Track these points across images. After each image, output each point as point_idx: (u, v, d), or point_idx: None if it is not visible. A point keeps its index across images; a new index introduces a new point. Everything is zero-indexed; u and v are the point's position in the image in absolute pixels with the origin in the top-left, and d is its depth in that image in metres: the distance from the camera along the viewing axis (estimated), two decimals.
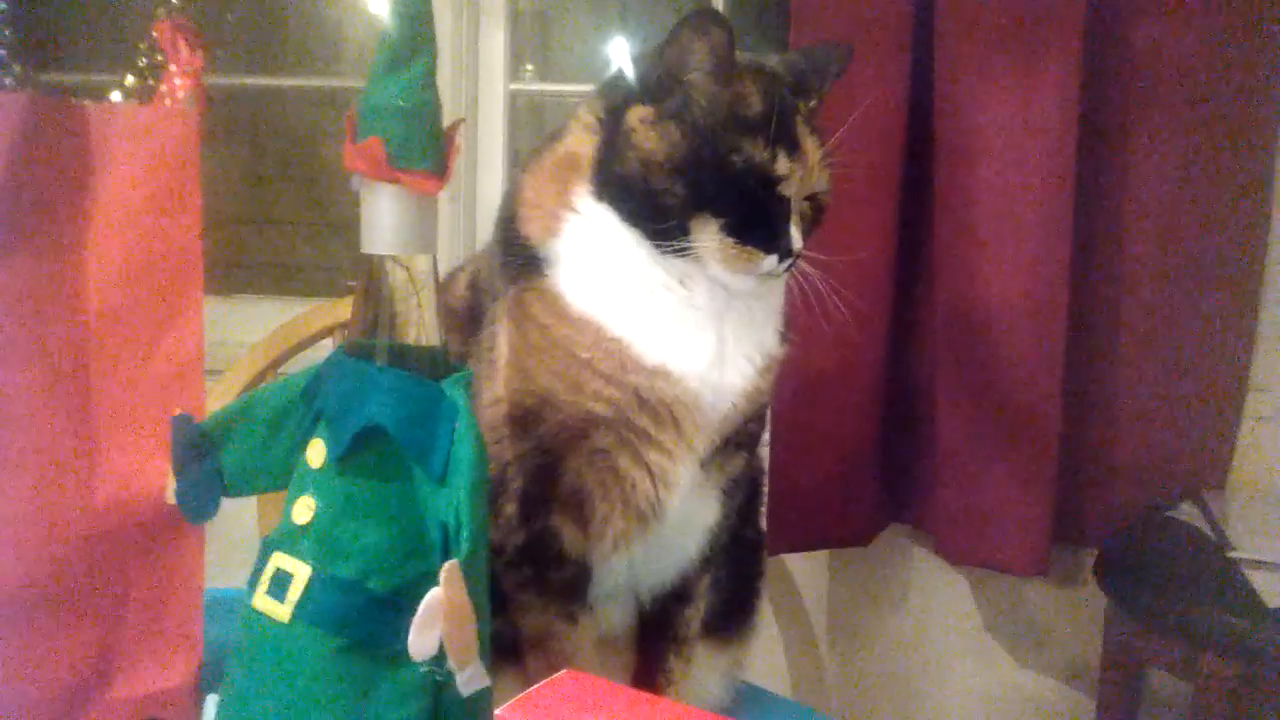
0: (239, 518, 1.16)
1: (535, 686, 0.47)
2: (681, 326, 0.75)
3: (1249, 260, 1.61)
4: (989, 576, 1.71)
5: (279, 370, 1.37)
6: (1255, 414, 1.66)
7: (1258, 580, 1.32)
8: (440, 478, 0.56)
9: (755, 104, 0.74)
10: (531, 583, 0.78)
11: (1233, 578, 1.34)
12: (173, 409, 0.69)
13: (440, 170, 0.59)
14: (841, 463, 1.57)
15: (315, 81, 2.22)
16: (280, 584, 0.57)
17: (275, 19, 2.33)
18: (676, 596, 0.84)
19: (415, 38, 0.59)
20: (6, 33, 2.06)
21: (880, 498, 1.65)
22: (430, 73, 0.59)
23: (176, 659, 0.74)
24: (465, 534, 0.52)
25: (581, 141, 0.77)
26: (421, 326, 0.61)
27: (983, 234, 1.50)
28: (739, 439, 0.80)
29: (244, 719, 0.58)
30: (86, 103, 0.70)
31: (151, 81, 1.99)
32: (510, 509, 0.77)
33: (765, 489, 1.47)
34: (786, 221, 0.74)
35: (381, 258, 0.60)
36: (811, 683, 1.79)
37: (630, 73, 0.77)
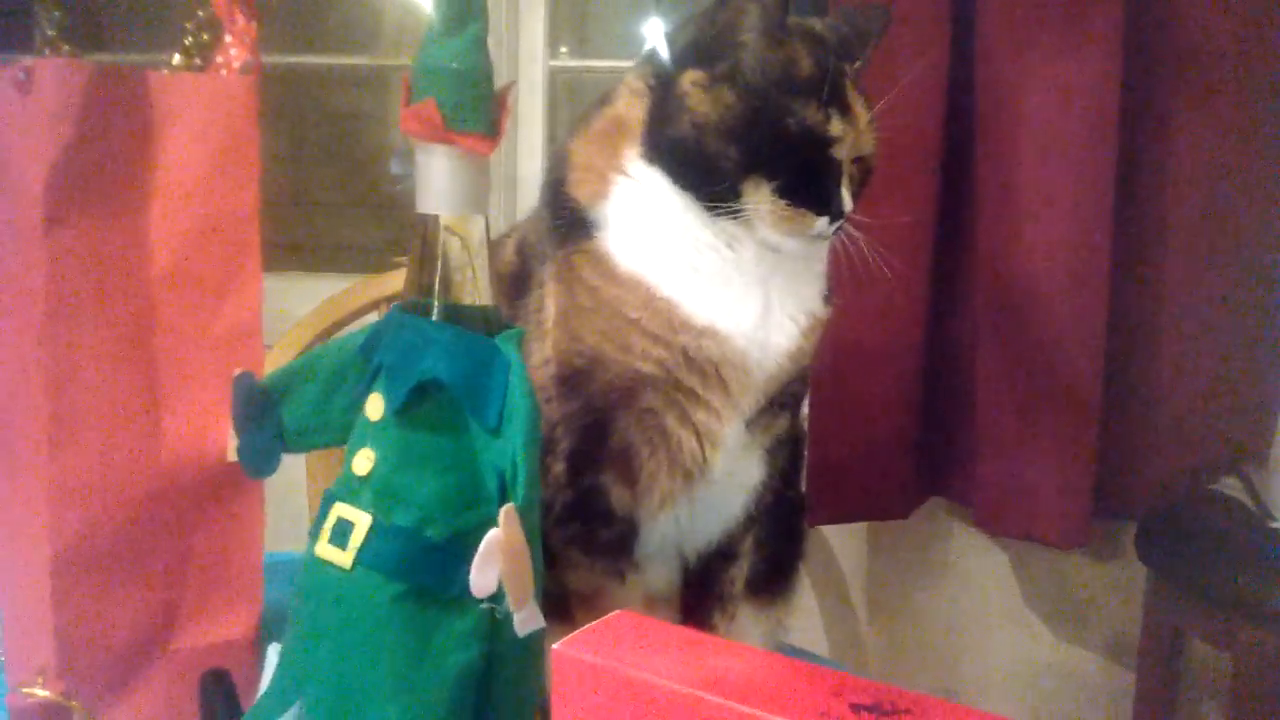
0: (290, 488, 1.19)
1: (591, 624, 0.49)
2: (729, 287, 0.76)
3: None
4: (1029, 550, 1.72)
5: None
6: None
7: None
8: (495, 429, 0.58)
9: (806, 66, 0.75)
10: (579, 539, 0.79)
11: (1274, 549, 1.34)
12: (233, 368, 0.71)
13: (492, 131, 0.60)
14: (881, 435, 1.58)
15: (355, 60, 2.24)
16: (342, 533, 0.59)
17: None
18: (721, 555, 0.85)
19: (468, 3, 0.60)
20: (56, 14, 2.09)
21: (919, 471, 1.66)
22: (482, 37, 0.60)
23: (238, 611, 0.76)
24: (521, 480, 0.54)
25: (631, 106, 0.78)
26: (475, 284, 0.62)
27: (1024, 207, 1.50)
28: (783, 400, 0.81)
29: (307, 663, 0.60)
30: (148, 70, 0.71)
31: (199, 61, 2.02)
32: (559, 467, 0.78)
33: (806, 457, 1.49)
34: (838, 184, 0.75)
35: (436, 217, 0.61)
36: (851, 654, 1.80)
37: (676, 39, 0.78)
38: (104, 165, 0.69)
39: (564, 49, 2.08)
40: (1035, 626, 1.77)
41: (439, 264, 0.62)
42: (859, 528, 1.76)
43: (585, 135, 0.80)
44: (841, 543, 1.76)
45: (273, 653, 0.70)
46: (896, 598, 1.81)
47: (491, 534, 0.51)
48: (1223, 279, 1.58)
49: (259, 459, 0.70)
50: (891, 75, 1.48)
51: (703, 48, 0.75)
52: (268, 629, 0.77)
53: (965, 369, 1.60)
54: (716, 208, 0.74)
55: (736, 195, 0.73)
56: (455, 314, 0.61)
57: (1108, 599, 1.73)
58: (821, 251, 0.81)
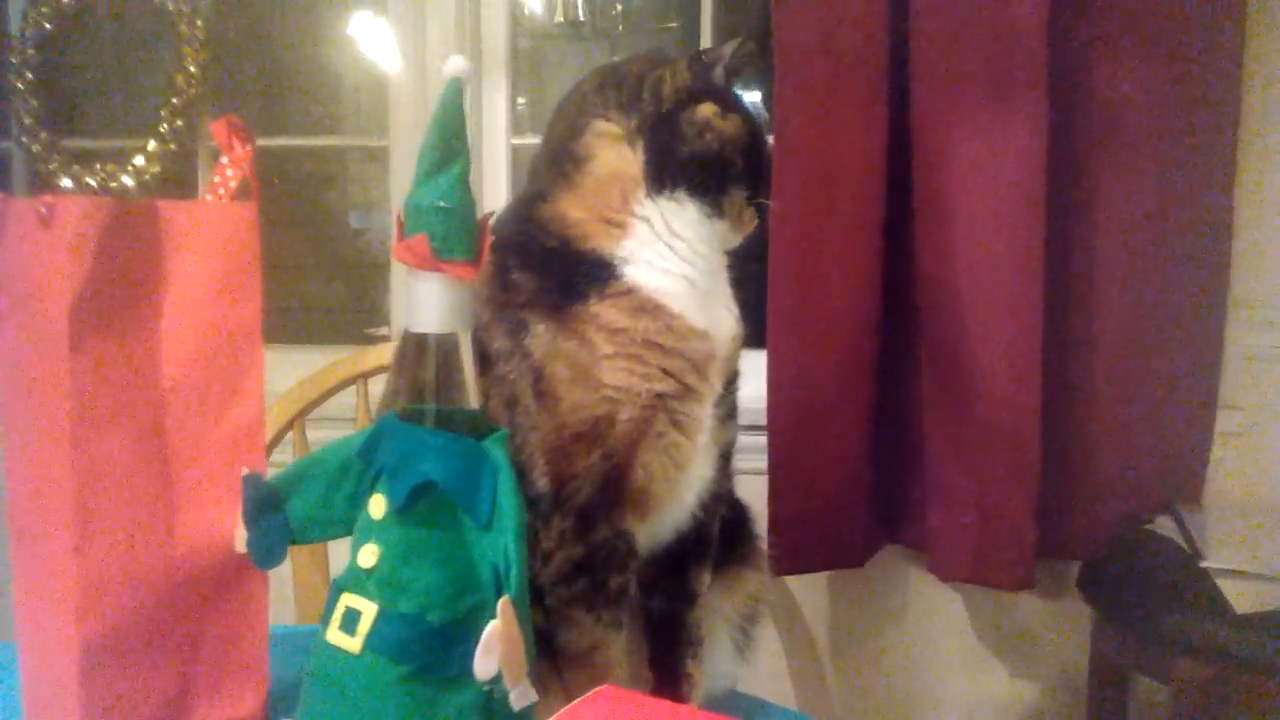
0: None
1: (576, 702, 0.56)
2: (709, 292, 0.87)
3: (1215, 285, 1.71)
4: (980, 592, 1.80)
5: (307, 417, 1.46)
6: (1226, 430, 1.75)
7: (1228, 588, 1.41)
8: (486, 524, 0.65)
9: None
10: (584, 596, 0.83)
11: (1205, 586, 1.43)
12: (239, 468, 0.78)
13: (476, 259, 0.69)
14: (837, 489, 1.67)
15: (318, 141, 2.33)
16: (350, 620, 0.66)
17: (279, 80, 2.44)
18: (682, 592, 0.91)
19: (452, 146, 0.68)
20: (34, 103, 2.16)
21: (875, 520, 1.74)
22: (465, 175, 0.69)
23: (247, 691, 0.82)
24: (514, 572, 0.62)
25: (619, 156, 0.87)
26: (462, 392, 0.70)
27: (961, 269, 1.60)
28: (730, 387, 0.92)
29: None
30: (159, 201, 0.78)
31: (173, 146, 2.09)
32: (564, 525, 0.83)
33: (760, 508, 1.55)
34: None
35: (427, 335, 0.69)
36: (816, 698, 1.87)
37: (661, 85, 0.89)
38: (119, 290, 0.75)
39: (521, 100, 2.16)
40: (989, 665, 1.85)
41: (430, 375, 0.69)
42: (820, 577, 1.83)
43: (575, 194, 0.87)
44: (804, 592, 1.83)
45: None
46: (857, 642, 1.88)
47: (491, 626, 0.58)
48: (1153, 332, 1.68)
49: (267, 552, 0.77)
50: (832, 149, 1.58)
51: (699, 88, 0.88)
52: (273, 703, 0.84)
53: (914, 424, 1.69)
54: (720, 208, 0.87)
55: (725, 200, 0.88)
56: (446, 420, 0.69)
57: (1057, 636, 1.82)
58: None
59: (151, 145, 1.90)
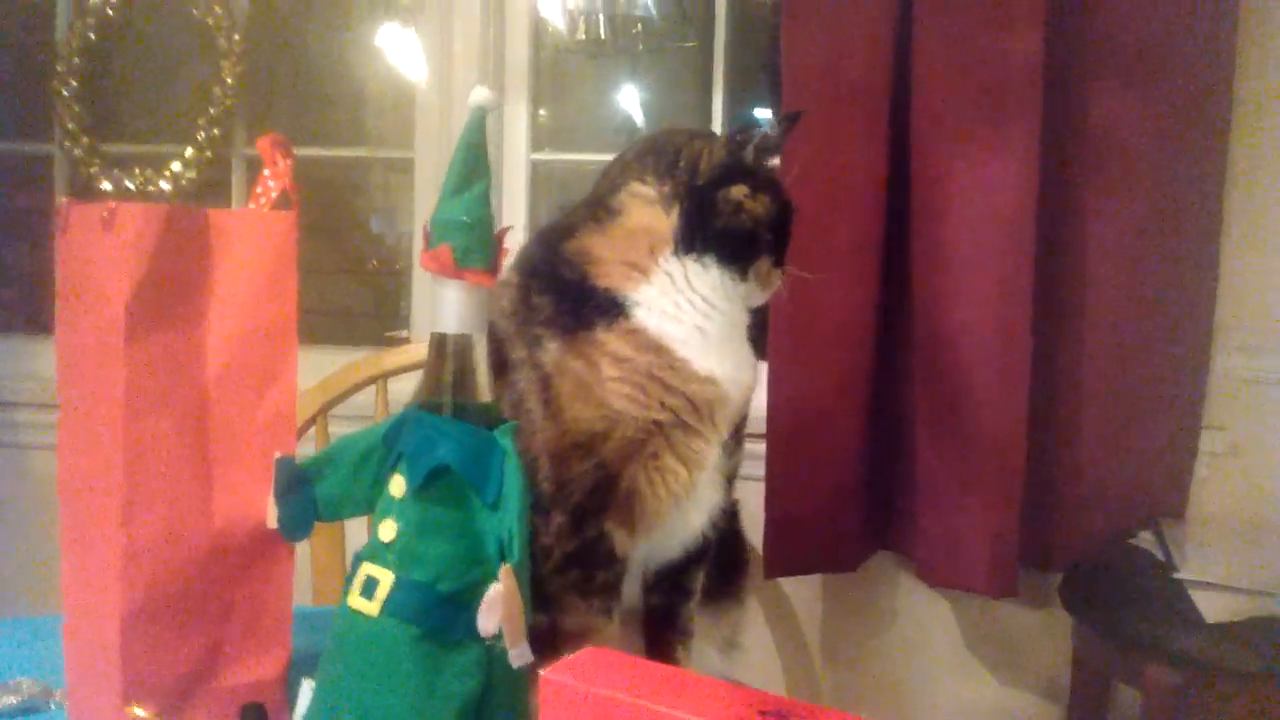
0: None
1: (569, 656, 0.63)
2: (723, 342, 0.96)
3: (1201, 310, 1.77)
4: (968, 599, 1.86)
5: (330, 413, 1.54)
6: (1210, 450, 1.81)
7: (1200, 599, 1.47)
8: (493, 504, 0.73)
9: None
10: (578, 584, 0.93)
11: (1178, 597, 1.49)
12: (273, 451, 0.86)
13: (494, 269, 0.77)
14: (831, 494, 1.73)
15: (346, 153, 2.41)
16: (370, 587, 0.74)
17: (309, 91, 2.52)
18: (679, 590, 1.01)
19: (475, 167, 0.76)
20: (77, 109, 2.27)
21: (867, 526, 1.81)
22: (486, 193, 0.77)
23: (270, 654, 0.90)
24: (516, 545, 0.69)
25: (652, 215, 0.96)
26: (477, 387, 0.78)
27: (955, 287, 1.66)
28: (739, 432, 1.00)
29: (341, 693, 0.75)
30: (209, 210, 0.86)
31: (209, 153, 2.18)
32: (560, 520, 0.92)
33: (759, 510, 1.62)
34: None
35: (446, 335, 0.77)
36: (807, 696, 1.93)
37: (695, 163, 0.97)
38: (172, 288, 0.83)
39: (542, 111, 2.23)
40: (975, 669, 1.91)
41: (449, 371, 0.77)
42: (813, 580, 1.90)
43: (605, 238, 0.96)
44: (797, 594, 1.90)
45: (305, 687, 0.84)
46: (848, 644, 1.95)
47: (494, 588, 0.66)
48: (1141, 352, 1.74)
49: (296, 527, 0.85)
50: (837, 172, 1.65)
51: (733, 167, 0.97)
52: (293, 669, 0.91)
53: (907, 435, 1.76)
54: (746, 272, 0.96)
55: (750, 268, 0.96)
56: (462, 411, 0.77)
57: (1041, 643, 1.88)
58: None
59: (189, 152, 2.00)
